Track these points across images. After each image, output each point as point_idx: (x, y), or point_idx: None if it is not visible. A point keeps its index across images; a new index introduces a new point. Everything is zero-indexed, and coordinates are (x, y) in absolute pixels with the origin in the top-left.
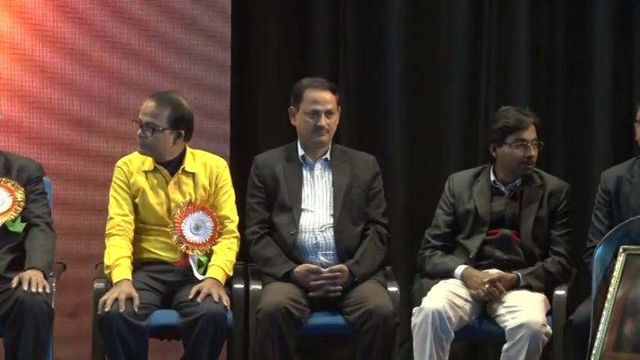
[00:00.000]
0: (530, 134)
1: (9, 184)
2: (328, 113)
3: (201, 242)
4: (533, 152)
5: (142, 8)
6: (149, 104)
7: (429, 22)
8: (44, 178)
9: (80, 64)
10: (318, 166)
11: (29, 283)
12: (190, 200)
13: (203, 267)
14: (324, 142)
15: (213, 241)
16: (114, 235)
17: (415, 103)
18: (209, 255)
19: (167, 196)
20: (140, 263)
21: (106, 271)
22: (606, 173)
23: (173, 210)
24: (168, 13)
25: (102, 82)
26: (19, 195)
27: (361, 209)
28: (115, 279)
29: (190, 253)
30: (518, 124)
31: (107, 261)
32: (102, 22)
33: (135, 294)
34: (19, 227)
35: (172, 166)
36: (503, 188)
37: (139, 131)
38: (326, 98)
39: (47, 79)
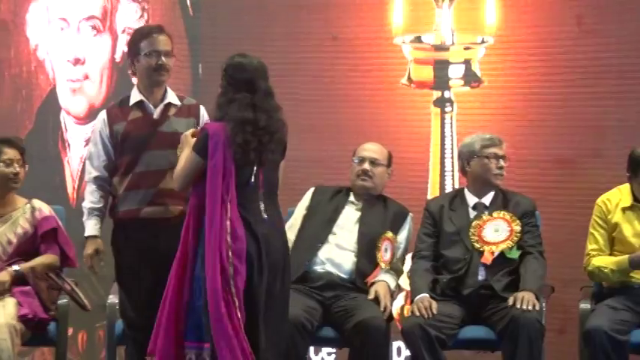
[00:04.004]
0: None
1: (507, 217)
2: None
3: None
4: None
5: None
6: None
7: None
8: (536, 212)
9: None
10: None
11: (522, 302)
12: None
13: None
14: None
15: None
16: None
17: None
18: None
19: None
20: None
21: None
22: None
23: None
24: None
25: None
26: (516, 227)
27: None
28: None
29: None
30: None
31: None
32: None
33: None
34: (515, 254)
35: None
36: None
37: None
38: None
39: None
